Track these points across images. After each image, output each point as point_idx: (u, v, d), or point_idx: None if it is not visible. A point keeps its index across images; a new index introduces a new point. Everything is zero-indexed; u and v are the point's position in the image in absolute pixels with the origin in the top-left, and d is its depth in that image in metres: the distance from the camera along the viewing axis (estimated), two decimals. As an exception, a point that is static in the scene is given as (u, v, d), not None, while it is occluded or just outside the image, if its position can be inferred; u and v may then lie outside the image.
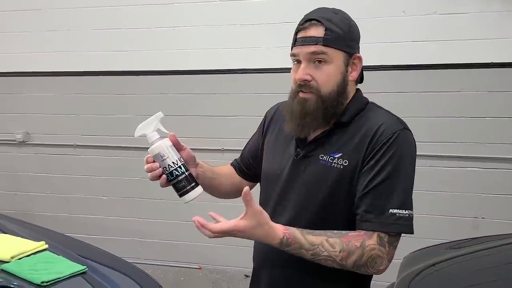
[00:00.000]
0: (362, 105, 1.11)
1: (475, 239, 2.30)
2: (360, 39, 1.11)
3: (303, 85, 1.06)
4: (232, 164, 1.37)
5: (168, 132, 1.07)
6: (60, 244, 1.82)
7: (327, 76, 1.04)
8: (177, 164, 1.03)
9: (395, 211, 0.98)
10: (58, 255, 1.69)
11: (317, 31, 1.03)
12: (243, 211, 0.96)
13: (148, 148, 1.05)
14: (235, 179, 1.34)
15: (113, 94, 3.54)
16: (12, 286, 1.43)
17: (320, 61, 1.03)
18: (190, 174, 1.05)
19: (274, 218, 1.13)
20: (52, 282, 1.49)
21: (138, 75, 3.45)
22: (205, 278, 3.35)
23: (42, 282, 1.46)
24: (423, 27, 2.99)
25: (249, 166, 1.32)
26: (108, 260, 1.82)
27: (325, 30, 1.02)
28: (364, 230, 1.00)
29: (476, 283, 1.85)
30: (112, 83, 3.51)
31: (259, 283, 1.21)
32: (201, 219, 0.97)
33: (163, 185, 1.07)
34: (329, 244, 0.97)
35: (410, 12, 2.99)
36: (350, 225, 1.05)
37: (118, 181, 3.52)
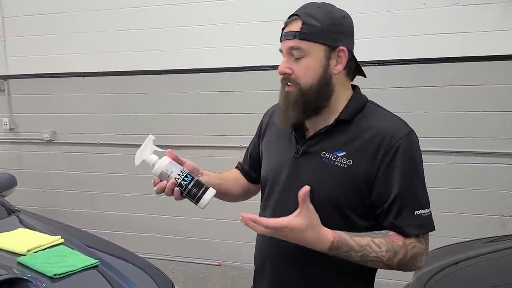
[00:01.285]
0: (362, 103, 1.10)
1: (502, 237, 2.19)
2: (354, 32, 1.08)
3: (285, 79, 1.06)
4: (237, 167, 1.38)
5: (164, 150, 1.11)
6: (76, 238, 1.88)
7: (305, 69, 1.03)
8: (183, 175, 1.05)
9: (420, 211, 1.02)
10: (73, 249, 1.74)
11: (295, 26, 1.03)
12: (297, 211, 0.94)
13: (152, 170, 1.09)
14: (242, 182, 1.34)
15: (134, 93, 3.62)
16: (26, 278, 1.48)
17: (298, 55, 1.03)
18: (197, 180, 1.07)
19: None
20: (64, 274, 1.54)
21: (158, 74, 3.51)
22: (224, 274, 3.37)
23: (54, 275, 1.52)
24: (443, 19, 2.89)
25: (253, 168, 1.32)
26: (121, 255, 1.86)
27: (302, 24, 1.02)
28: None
29: (501, 283, 1.77)
30: (133, 83, 3.59)
31: (261, 283, 1.20)
32: (252, 215, 0.94)
33: (177, 198, 1.08)
34: (376, 244, 0.99)
35: (430, 3, 2.91)
36: (350, 226, 1.03)
37: (140, 178, 3.59)
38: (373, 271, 1.12)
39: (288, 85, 1.06)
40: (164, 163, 1.06)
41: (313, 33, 1.02)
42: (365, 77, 1.13)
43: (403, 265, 1.02)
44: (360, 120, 1.06)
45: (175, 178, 1.05)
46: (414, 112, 2.99)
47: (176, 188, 1.06)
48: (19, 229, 1.92)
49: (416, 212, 1.01)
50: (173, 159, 1.09)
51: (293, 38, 1.03)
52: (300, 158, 1.09)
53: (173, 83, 3.49)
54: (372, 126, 1.04)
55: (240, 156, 3.69)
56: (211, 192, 1.06)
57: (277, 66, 1.07)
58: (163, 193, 1.09)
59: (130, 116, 3.64)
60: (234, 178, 1.34)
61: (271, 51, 3.33)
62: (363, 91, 1.14)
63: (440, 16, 2.90)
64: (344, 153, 1.04)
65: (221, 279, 3.30)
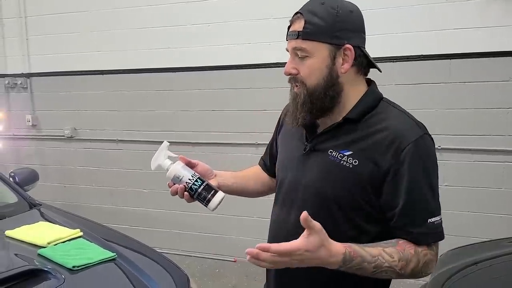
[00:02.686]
0: (375, 102, 1.05)
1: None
2: (364, 26, 1.05)
3: (292, 79, 1.06)
4: (259, 164, 1.38)
5: (177, 155, 1.17)
6: (95, 232, 1.92)
7: (309, 70, 1.01)
8: (193, 179, 1.11)
9: (432, 219, 1.00)
10: (91, 242, 1.78)
11: (298, 25, 1.01)
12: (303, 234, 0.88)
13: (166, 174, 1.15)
14: (263, 177, 1.33)
15: (152, 91, 3.66)
16: (46, 269, 1.53)
17: (302, 55, 1.01)
18: (207, 184, 1.12)
19: (282, 216, 1.12)
20: (83, 266, 1.57)
21: (175, 71, 3.55)
22: (240, 270, 3.39)
23: (73, 267, 1.56)
24: (465, 14, 2.83)
25: (273, 162, 1.31)
26: (138, 248, 1.89)
27: (305, 24, 0.99)
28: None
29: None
30: (151, 80, 3.64)
31: (270, 278, 1.20)
32: (258, 247, 0.89)
33: (188, 201, 1.13)
34: (388, 254, 0.96)
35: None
36: (355, 230, 1.02)
37: (158, 175, 3.61)
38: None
39: (296, 85, 1.05)
40: (176, 168, 1.13)
41: (316, 32, 0.99)
42: (380, 71, 1.09)
43: (415, 274, 1.00)
44: (370, 118, 1.03)
45: (186, 182, 1.11)
46: (434, 110, 2.94)
47: (186, 192, 1.11)
48: (40, 222, 1.97)
49: (429, 220, 0.99)
50: (185, 163, 1.15)
51: (296, 38, 1.01)
52: (307, 155, 1.08)
53: (190, 80, 3.52)
54: (382, 127, 1.00)
55: (255, 153, 3.70)
56: (219, 195, 1.11)
57: (286, 63, 1.06)
58: (177, 195, 1.14)
59: (147, 113, 3.69)
60: (255, 174, 1.34)
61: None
62: (381, 88, 1.10)
63: (462, 10, 2.84)
64: (351, 152, 1.01)
65: (237, 275, 3.32)
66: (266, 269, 1.24)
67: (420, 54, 2.93)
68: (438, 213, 1.02)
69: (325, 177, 1.03)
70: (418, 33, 2.92)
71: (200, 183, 1.11)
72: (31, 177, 2.53)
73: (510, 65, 2.79)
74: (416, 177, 0.98)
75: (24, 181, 2.46)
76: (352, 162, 1.01)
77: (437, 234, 1.01)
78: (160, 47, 3.56)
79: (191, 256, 3.59)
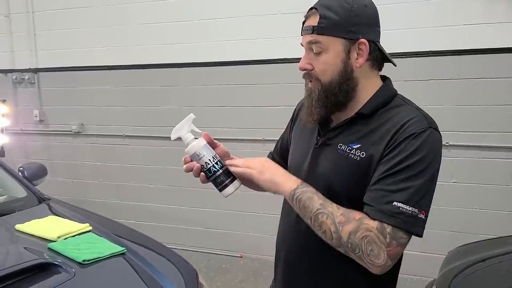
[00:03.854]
0: (389, 98, 1.05)
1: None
2: (378, 20, 1.04)
3: (307, 74, 1.05)
4: (268, 157, 1.36)
5: (201, 131, 1.09)
6: (104, 226, 1.93)
7: (324, 65, 1.01)
8: (214, 161, 1.06)
9: (399, 204, 0.92)
10: (101, 236, 1.79)
11: (312, 20, 1.01)
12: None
13: (185, 149, 1.10)
14: None
15: (158, 86, 3.66)
16: (56, 263, 1.53)
17: (317, 50, 1.01)
18: (226, 169, 1.07)
19: (290, 210, 1.10)
20: (93, 261, 1.58)
21: (181, 67, 3.55)
22: (246, 266, 3.40)
23: (83, 261, 1.56)
24: (475, 10, 2.80)
25: (283, 158, 1.31)
26: (147, 243, 1.90)
27: (320, 18, 0.99)
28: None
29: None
30: (158, 76, 3.64)
31: (277, 270, 1.20)
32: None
33: (203, 182, 1.09)
34: (335, 205, 0.97)
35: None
36: None
37: (164, 170, 3.65)
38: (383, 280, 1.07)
39: (310, 81, 1.05)
40: (199, 145, 1.07)
41: (331, 27, 0.99)
42: (395, 65, 1.09)
43: (354, 246, 0.92)
44: (382, 114, 1.03)
45: (205, 162, 1.05)
46: (444, 106, 2.92)
47: (203, 173, 1.07)
48: (49, 216, 1.98)
49: (395, 203, 0.92)
50: (208, 141, 1.09)
51: (311, 33, 1.01)
52: (319, 150, 1.09)
53: (196, 76, 3.52)
54: (393, 119, 1.00)
55: (262, 149, 3.70)
56: (236, 183, 1.07)
57: (301, 59, 1.06)
58: (190, 173, 1.09)
59: (154, 109, 3.69)
60: None
61: (294, 44, 3.31)
62: None
63: (472, 6, 2.81)
64: (359, 145, 1.01)
65: (243, 271, 3.33)
66: (275, 265, 1.24)
67: (428, 50, 2.92)
68: (412, 205, 0.92)
69: (333, 170, 1.04)
70: (425, 29, 2.90)
71: (219, 166, 1.06)
72: (40, 172, 2.54)
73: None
74: (410, 158, 0.94)
75: (32, 175, 2.47)
76: (360, 154, 1.01)
77: (394, 218, 0.92)
78: (166, 43, 3.56)
79: (198, 251, 3.60)
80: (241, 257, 3.51)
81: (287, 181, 1.02)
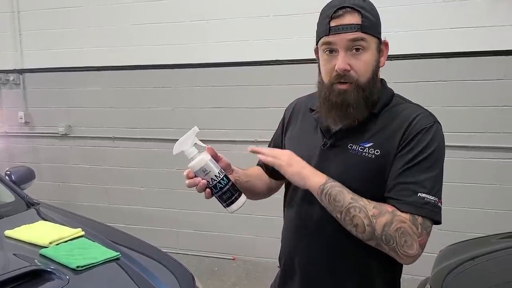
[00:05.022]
0: (390, 97, 1.10)
1: (517, 233, 2.17)
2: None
3: (342, 76, 1.02)
4: (258, 164, 1.34)
5: (205, 145, 1.06)
6: (96, 231, 1.89)
7: (365, 64, 1.02)
8: (220, 177, 1.03)
9: (424, 195, 0.97)
10: (94, 241, 1.76)
11: (354, 18, 1.01)
12: None
13: (188, 164, 1.06)
14: (265, 179, 1.31)
15: (150, 88, 3.62)
16: (49, 269, 1.50)
17: (358, 49, 1.01)
18: (232, 184, 1.05)
19: (302, 213, 1.11)
20: (87, 267, 1.55)
21: (173, 68, 3.52)
22: (239, 268, 3.38)
23: (77, 267, 1.53)
24: (460, 13, 2.85)
25: None
26: (141, 247, 1.87)
27: (362, 17, 1.01)
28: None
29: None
30: (149, 77, 3.60)
31: (292, 277, 1.18)
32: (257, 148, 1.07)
33: (208, 197, 1.06)
34: (365, 199, 0.98)
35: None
36: None
37: (155, 172, 3.62)
38: (400, 272, 1.11)
39: (343, 82, 1.03)
40: (204, 161, 1.03)
41: (371, 26, 1.03)
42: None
43: (388, 238, 0.95)
44: (387, 112, 1.06)
45: (211, 178, 1.02)
46: (431, 107, 2.93)
47: (208, 189, 1.04)
48: (39, 221, 1.93)
49: (419, 194, 0.97)
50: (212, 155, 1.06)
51: (356, 31, 1.00)
52: (327, 151, 1.08)
53: (189, 77, 3.49)
54: (400, 116, 1.05)
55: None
56: (242, 199, 1.05)
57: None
58: (193, 188, 1.06)
59: (145, 110, 3.65)
60: (257, 175, 1.31)
61: (286, 46, 3.35)
62: None
63: (456, 10, 2.86)
64: (371, 143, 1.03)
65: (236, 273, 3.31)
66: (284, 276, 1.22)
67: (417, 52, 2.95)
68: (435, 195, 0.98)
69: (348, 170, 1.04)
70: (414, 32, 2.94)
71: (226, 182, 1.03)
72: (28, 176, 2.49)
73: (504, 64, 2.82)
74: (425, 151, 0.99)
75: (20, 179, 2.41)
76: (374, 152, 1.03)
77: (424, 209, 0.97)
78: (158, 43, 3.52)
79: (189, 254, 3.57)
80: (233, 259, 3.50)
81: (315, 175, 1.02)
